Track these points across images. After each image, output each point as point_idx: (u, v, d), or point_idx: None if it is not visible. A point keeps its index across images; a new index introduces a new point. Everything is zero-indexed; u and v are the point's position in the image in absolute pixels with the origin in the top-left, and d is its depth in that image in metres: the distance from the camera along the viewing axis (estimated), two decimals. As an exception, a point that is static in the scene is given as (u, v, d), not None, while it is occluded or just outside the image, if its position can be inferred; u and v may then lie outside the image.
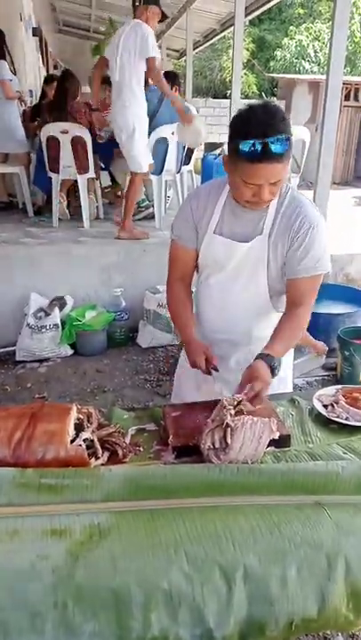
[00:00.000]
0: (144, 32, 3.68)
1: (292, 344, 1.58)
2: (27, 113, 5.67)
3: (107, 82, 5.46)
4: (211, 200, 1.59)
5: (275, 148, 1.31)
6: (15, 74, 4.83)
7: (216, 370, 1.54)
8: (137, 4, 3.81)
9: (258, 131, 1.31)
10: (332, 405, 1.48)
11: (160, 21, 3.96)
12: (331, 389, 1.57)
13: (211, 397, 1.54)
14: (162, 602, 0.87)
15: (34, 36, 8.73)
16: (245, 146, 1.31)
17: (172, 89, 4.67)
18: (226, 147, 1.48)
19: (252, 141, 1.30)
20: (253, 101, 1.50)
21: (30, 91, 7.76)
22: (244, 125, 1.35)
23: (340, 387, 1.58)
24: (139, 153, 3.96)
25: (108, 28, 8.59)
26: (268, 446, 1.24)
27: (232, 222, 1.57)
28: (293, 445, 1.33)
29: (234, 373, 1.73)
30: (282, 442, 1.29)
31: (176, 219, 1.69)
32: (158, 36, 11.76)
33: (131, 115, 3.85)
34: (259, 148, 1.30)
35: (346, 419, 1.42)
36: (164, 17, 3.99)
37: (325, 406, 1.48)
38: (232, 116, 1.43)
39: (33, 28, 8.60)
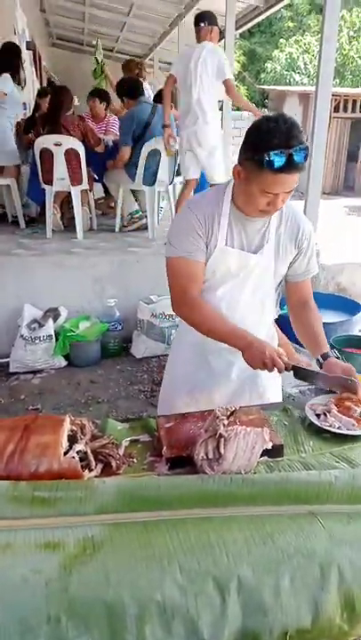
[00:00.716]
0: (220, 56, 4.03)
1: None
2: (20, 125, 5.70)
3: (100, 96, 5.53)
4: (215, 211, 1.57)
5: (298, 157, 1.35)
6: (23, 88, 4.95)
7: (288, 369, 1.50)
8: (202, 24, 4.12)
9: (282, 142, 1.34)
10: (324, 414, 1.48)
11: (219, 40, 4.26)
12: (323, 398, 1.57)
13: (205, 407, 1.55)
14: (156, 614, 0.87)
15: (28, 49, 8.78)
16: (271, 157, 1.34)
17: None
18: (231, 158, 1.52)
19: (278, 152, 1.33)
20: (267, 114, 1.56)
21: (24, 103, 7.79)
22: (267, 137, 1.36)
23: (332, 396, 1.59)
24: (219, 167, 4.26)
25: (97, 51, 8.63)
26: (261, 456, 1.24)
27: (240, 233, 1.59)
28: (286, 455, 1.33)
29: (234, 384, 1.75)
30: (275, 451, 1.29)
31: (180, 235, 1.59)
32: (151, 49, 11.92)
33: (211, 131, 4.14)
34: (284, 158, 1.34)
35: (338, 427, 1.43)
36: (221, 36, 4.36)
37: (318, 415, 1.49)
38: (249, 128, 1.45)
39: (27, 41, 8.66)
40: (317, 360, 1.65)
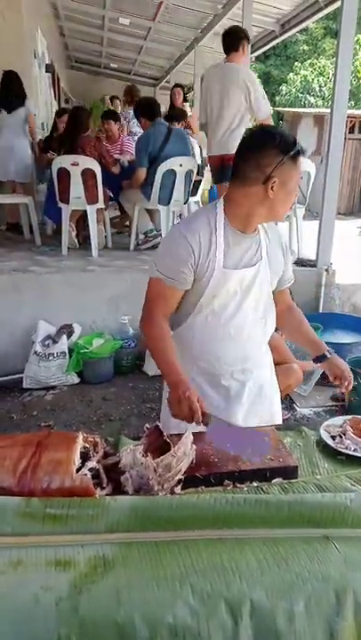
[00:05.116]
0: None
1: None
2: (39, 145, 5.83)
3: (113, 117, 5.68)
4: (211, 234, 1.55)
5: None
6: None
7: (207, 424, 1.43)
8: None
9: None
10: (340, 436, 1.46)
11: None
12: (338, 420, 1.56)
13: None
14: (166, 636, 0.85)
15: (47, 72, 9.02)
16: (297, 147, 1.48)
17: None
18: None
19: (296, 142, 1.49)
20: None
21: (42, 124, 7.99)
22: (286, 137, 1.48)
23: (347, 417, 1.57)
24: None
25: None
26: (275, 477, 1.22)
27: (236, 252, 1.58)
28: (301, 477, 1.31)
29: (245, 406, 1.73)
30: (289, 473, 1.27)
31: (165, 258, 1.59)
32: (167, 72, 12.15)
33: None
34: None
35: (354, 450, 1.41)
36: None
37: (333, 437, 1.47)
38: (255, 143, 1.51)
39: (46, 64, 8.90)
40: (317, 358, 1.77)
